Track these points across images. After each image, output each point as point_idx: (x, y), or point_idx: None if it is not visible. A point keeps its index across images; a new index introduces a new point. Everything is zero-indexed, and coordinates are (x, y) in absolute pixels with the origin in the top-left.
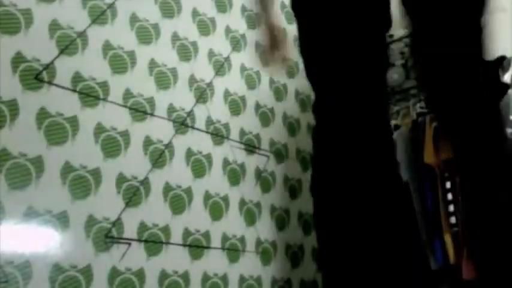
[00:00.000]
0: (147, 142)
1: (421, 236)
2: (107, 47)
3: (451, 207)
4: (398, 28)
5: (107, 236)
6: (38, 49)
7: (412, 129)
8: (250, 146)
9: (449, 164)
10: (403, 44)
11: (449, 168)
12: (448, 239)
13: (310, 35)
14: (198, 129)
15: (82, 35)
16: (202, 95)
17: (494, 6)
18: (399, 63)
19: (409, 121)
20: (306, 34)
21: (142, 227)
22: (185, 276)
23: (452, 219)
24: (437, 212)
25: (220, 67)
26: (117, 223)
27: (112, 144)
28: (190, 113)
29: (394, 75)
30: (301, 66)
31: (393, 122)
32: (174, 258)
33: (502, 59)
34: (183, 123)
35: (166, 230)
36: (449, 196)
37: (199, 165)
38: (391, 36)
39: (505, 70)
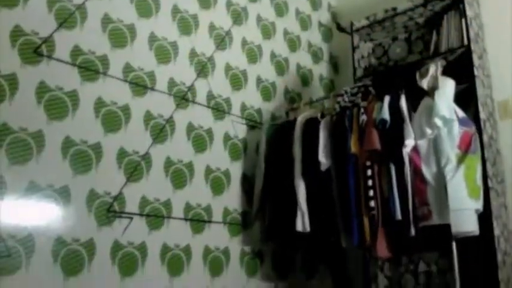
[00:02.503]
0: (148, 117)
1: None
2: (106, 20)
3: (371, 192)
4: (402, 1)
5: (109, 211)
6: (37, 22)
7: (336, 120)
8: (251, 121)
9: (372, 154)
10: (406, 18)
11: (371, 157)
12: (366, 221)
13: None
14: (199, 103)
15: (81, 7)
16: (203, 69)
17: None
18: (402, 37)
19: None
20: None
21: (144, 201)
22: (186, 250)
23: (371, 203)
24: (358, 196)
25: (221, 41)
26: (119, 198)
27: (113, 118)
28: (191, 88)
29: (397, 49)
30: (304, 40)
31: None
32: (176, 232)
33: None
34: (183, 98)
35: (167, 204)
36: (370, 182)
37: (200, 140)
38: (395, 9)
39: (423, 76)
